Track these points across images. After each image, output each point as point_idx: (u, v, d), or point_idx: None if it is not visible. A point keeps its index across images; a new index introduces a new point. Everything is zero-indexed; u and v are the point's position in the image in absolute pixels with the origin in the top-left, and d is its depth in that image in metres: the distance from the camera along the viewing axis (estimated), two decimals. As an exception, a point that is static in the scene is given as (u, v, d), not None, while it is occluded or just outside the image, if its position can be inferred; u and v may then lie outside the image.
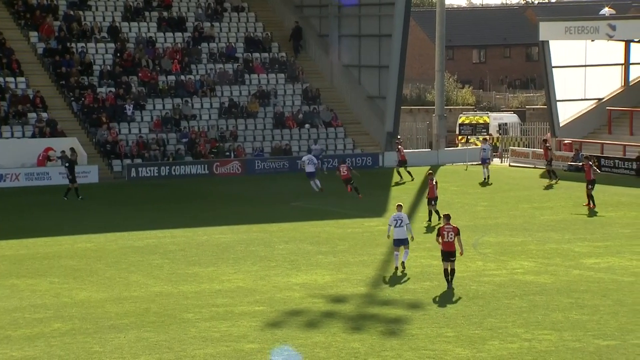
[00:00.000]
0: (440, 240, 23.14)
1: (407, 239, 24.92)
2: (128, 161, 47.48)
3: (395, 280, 24.24)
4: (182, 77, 52.77)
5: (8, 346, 18.26)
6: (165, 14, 55.59)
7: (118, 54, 52.36)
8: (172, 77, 52.63)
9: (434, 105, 58.00)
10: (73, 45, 51.72)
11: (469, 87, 78.05)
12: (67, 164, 39.52)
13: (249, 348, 18.38)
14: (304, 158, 41.54)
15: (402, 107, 56.17)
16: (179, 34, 55.03)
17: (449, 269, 23.12)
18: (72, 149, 41.77)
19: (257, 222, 33.03)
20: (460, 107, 69.83)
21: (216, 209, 37.33)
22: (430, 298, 22.32)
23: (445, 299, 22.24)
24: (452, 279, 23.13)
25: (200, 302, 21.83)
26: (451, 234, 22.97)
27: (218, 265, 26.04)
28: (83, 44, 52.12)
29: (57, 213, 36.15)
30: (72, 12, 53.28)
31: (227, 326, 19.83)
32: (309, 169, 40.65)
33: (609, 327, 19.56)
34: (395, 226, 24.82)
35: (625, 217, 34.00)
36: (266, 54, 56.03)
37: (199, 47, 54.79)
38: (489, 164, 45.39)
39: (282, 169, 49.68)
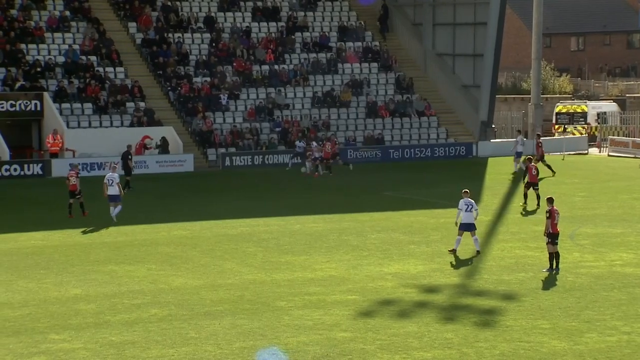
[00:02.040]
0: (550, 223, 23.17)
1: (474, 224, 25.21)
2: (222, 150, 48.04)
3: (489, 270, 23.96)
4: (276, 66, 53.07)
5: (107, 331, 18.67)
6: (259, 3, 55.98)
7: (213, 44, 52.97)
8: (266, 67, 52.98)
9: (529, 94, 57.08)
10: (170, 35, 52.51)
11: (566, 76, 76.57)
12: (129, 156, 38.60)
13: (342, 337, 18.40)
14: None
15: (497, 96, 55.47)
16: (273, 23, 55.35)
17: (555, 252, 23.13)
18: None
19: (349, 212, 33.03)
20: (557, 95, 68.59)
21: (309, 197, 37.47)
22: (524, 289, 21.99)
23: (541, 290, 21.89)
24: (558, 263, 23.02)
25: (293, 291, 21.94)
26: (558, 217, 23.17)
27: (311, 254, 26.14)
28: (180, 34, 52.86)
29: (153, 201, 36.81)
30: (169, 3, 54.09)
31: (320, 314, 19.89)
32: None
33: None
34: (465, 210, 25.19)
35: None
36: (359, 43, 55.94)
37: (293, 36, 55.02)
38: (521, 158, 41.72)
39: (374, 158, 49.61)
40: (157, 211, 33.98)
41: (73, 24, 51.36)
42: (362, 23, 56.85)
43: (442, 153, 50.05)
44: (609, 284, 22.32)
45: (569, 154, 51.16)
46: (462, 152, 51.04)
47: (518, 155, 43.45)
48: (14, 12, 50.60)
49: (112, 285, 22.52)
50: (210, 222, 31.25)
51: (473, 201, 25.56)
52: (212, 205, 35.31)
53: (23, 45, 49.03)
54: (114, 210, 31.16)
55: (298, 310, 20.23)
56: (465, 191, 25.96)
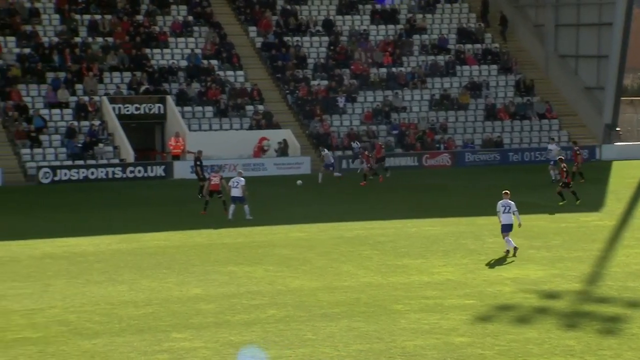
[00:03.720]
0: None
1: (513, 224, 25.53)
2: (339, 152, 48.20)
3: (613, 277, 23.30)
4: (394, 69, 52.97)
5: (227, 330, 18.92)
6: (378, 6, 55.96)
7: (332, 47, 53.23)
8: (383, 70, 52.94)
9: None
10: (289, 39, 53.02)
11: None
12: (198, 162, 38.40)
13: (459, 341, 18.18)
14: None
15: (622, 98, 54.01)
16: (392, 26, 55.27)
17: None
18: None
19: (467, 215, 32.66)
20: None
21: (424, 200, 37.22)
22: (651, 297, 21.30)
23: (668, 299, 21.16)
24: None
25: (410, 294, 21.80)
26: None
27: (427, 258, 25.94)
28: (299, 38, 53.33)
29: (270, 203, 37.19)
30: (289, 7, 54.65)
31: (437, 319, 19.70)
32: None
33: None
34: (503, 212, 25.50)
35: None
36: (479, 45, 55.33)
37: (411, 39, 54.81)
38: (555, 165, 39.50)
39: (492, 161, 48.97)
40: (274, 213, 34.32)
41: (195, 28, 52.42)
42: (482, 25, 56.19)
43: (580, 154, 49.03)
44: None
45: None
46: (585, 155, 49.85)
47: (551, 162, 41.09)
48: (139, 17, 51.98)
49: (231, 285, 22.83)
50: (326, 225, 31.37)
51: (512, 202, 25.76)
52: (328, 207, 35.43)
53: (148, 50, 50.30)
54: (232, 209, 31.78)
55: (415, 314, 20.09)
56: (505, 192, 26.19)
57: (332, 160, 43.31)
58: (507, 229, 25.70)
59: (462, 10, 57.18)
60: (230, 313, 20.23)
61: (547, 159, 41.91)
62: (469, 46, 55.11)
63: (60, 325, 19.21)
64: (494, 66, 54.54)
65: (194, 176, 41.80)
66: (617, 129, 52.79)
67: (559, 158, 37.24)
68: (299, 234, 29.81)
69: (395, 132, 50.13)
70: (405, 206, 35.55)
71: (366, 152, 43.07)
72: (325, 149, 45.07)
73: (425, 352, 17.45)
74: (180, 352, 17.50)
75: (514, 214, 25.64)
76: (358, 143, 47.13)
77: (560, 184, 34.86)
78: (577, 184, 37.80)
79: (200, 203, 34.16)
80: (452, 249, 27.08)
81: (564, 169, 34.65)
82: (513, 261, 25.33)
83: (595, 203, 35.40)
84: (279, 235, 29.78)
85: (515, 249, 25.74)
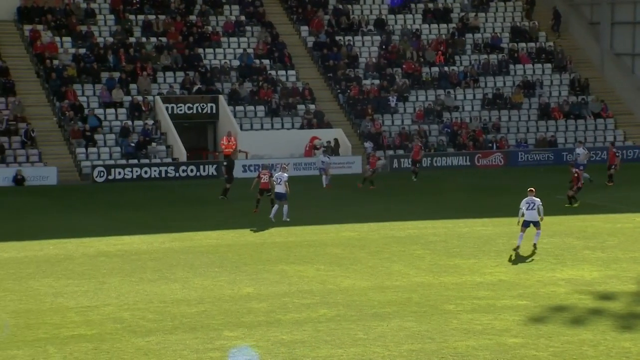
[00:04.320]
0: None
1: (537, 220, 25.79)
2: (391, 152, 48.06)
3: (669, 279, 22.92)
4: (446, 68, 52.69)
5: (278, 329, 18.96)
6: (430, 5, 55.72)
7: (383, 47, 53.11)
8: (435, 69, 52.69)
9: None
10: (341, 38, 53.01)
11: None
12: (225, 163, 38.16)
13: (512, 342, 18.01)
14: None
15: (677, 97, 53.21)
16: (444, 25, 54.99)
17: None
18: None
19: (503, 215, 32.34)
20: None
21: (477, 200, 36.96)
22: None
23: None
24: None
25: (462, 294, 21.65)
26: None
27: (479, 258, 25.74)
28: (350, 37, 53.29)
29: (321, 202, 37.21)
30: (341, 6, 54.64)
31: (489, 319, 19.54)
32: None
33: None
34: (527, 209, 25.76)
35: None
36: (532, 44, 54.83)
37: (464, 37, 54.47)
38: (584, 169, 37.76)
39: (546, 161, 48.49)
40: (325, 212, 34.32)
41: (248, 28, 52.63)
42: (536, 23, 55.66)
43: (619, 156, 48.34)
44: None
45: None
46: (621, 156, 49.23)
47: (577, 166, 37.91)
48: (192, 17, 52.35)
49: (282, 284, 22.88)
50: (377, 224, 31.29)
51: (538, 199, 25.83)
52: (379, 207, 35.35)
53: (200, 50, 50.63)
54: (274, 209, 31.69)
55: (467, 314, 19.94)
56: (530, 190, 26.27)
57: (324, 165, 41.47)
58: (527, 224, 25.99)
59: (516, 9, 56.69)
60: (281, 312, 20.26)
61: (576, 162, 39.85)
62: (522, 45, 54.62)
63: (115, 323, 19.40)
64: (548, 65, 54.00)
65: (246, 175, 42.00)
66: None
67: (574, 162, 36.84)
68: (350, 234, 29.78)
69: (447, 130, 49.86)
70: (457, 206, 35.33)
71: (375, 155, 42.07)
72: (322, 153, 44.04)
73: (477, 353, 17.32)
74: (232, 350, 17.57)
75: (538, 209, 25.88)
76: (371, 143, 46.63)
77: (574, 188, 34.06)
78: (605, 186, 37.28)
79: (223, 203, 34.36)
80: (505, 249, 26.84)
81: (576, 174, 33.91)
82: (567, 262, 25.03)
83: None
84: (330, 234, 29.78)
85: (534, 245, 26.13)
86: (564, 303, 20.78)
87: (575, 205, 33.94)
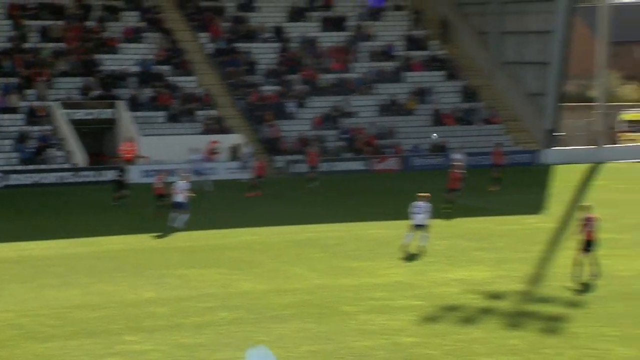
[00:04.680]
0: (584, 230, 23.06)
1: (425, 224, 26.58)
2: (290, 157, 48.26)
3: (555, 277, 23.67)
4: (343, 75, 53.19)
5: (179, 333, 18.88)
6: (327, 14, 56.16)
7: (282, 54, 53.29)
8: (333, 76, 53.13)
9: (595, 102, 56.28)
10: (240, 45, 52.98)
11: (633, 84, 75.31)
12: (120, 169, 37.45)
13: (407, 341, 18.35)
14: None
15: (563, 104, 54.82)
16: (340, 33, 55.50)
17: (587, 259, 23.05)
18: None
19: (399, 218, 32.86)
20: (625, 103, 67.49)
21: (374, 204, 37.43)
22: (591, 296, 21.68)
23: (609, 298, 21.54)
24: (593, 270, 22.85)
25: (359, 296, 21.93)
26: (591, 224, 22.98)
27: (376, 260, 26.10)
28: (249, 44, 53.30)
29: (222, 207, 37.11)
30: (239, 14, 54.60)
31: (385, 319, 19.85)
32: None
33: None
34: (416, 213, 26.65)
35: None
36: (425, 52, 55.79)
37: (360, 45, 55.09)
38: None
39: (440, 165, 49.38)
40: (226, 216, 34.27)
41: (147, 34, 52.11)
42: (428, 32, 56.67)
43: (507, 160, 49.61)
44: (677, 293, 21.87)
45: (635, 162, 50.30)
46: (528, 159, 50.53)
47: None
48: (90, 23, 51.55)
49: (183, 288, 22.78)
50: (277, 228, 31.41)
51: (427, 204, 26.71)
52: (278, 211, 35.47)
53: (99, 56, 49.89)
54: (173, 217, 31.37)
55: (364, 315, 20.22)
56: (421, 194, 27.14)
57: (200, 168, 40.78)
58: (417, 228, 26.73)
59: (408, 18, 57.58)
60: (182, 316, 20.18)
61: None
62: (415, 53, 55.53)
63: (13, 329, 19.02)
64: (440, 72, 55.02)
65: (146, 180, 41.55)
66: (559, 133, 53.57)
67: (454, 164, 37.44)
68: (250, 237, 29.82)
69: (344, 136, 50.32)
70: (354, 210, 35.71)
71: (258, 161, 41.92)
72: (197, 154, 42.87)
73: (373, 353, 17.59)
74: (132, 354, 17.43)
75: (426, 214, 26.67)
76: (252, 149, 46.45)
77: (451, 190, 34.63)
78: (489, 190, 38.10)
79: (118, 209, 34.05)
80: (401, 251, 27.26)
81: (456, 177, 34.64)
82: (459, 263, 25.59)
83: (536, 205, 35.91)
84: (231, 238, 29.75)
85: (423, 247, 26.70)
86: (457, 303, 21.25)
87: (449, 209, 34.18)
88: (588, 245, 23.04)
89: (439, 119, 52.56)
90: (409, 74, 54.53)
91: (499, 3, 55.39)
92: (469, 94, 54.17)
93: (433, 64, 55.35)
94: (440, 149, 50.73)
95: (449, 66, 55.26)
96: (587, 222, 23.12)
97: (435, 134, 39.44)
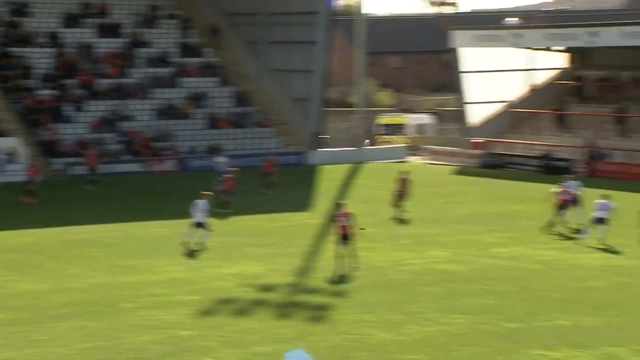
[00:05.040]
0: (337, 225, 23.91)
1: (205, 223, 26.77)
2: (68, 160, 46.71)
3: (322, 269, 24.30)
4: (120, 80, 52.13)
5: (-48, 336, 17.83)
6: (102, 20, 54.83)
7: (57, 59, 51.51)
8: (110, 81, 51.95)
9: (355, 107, 58.26)
10: (14, 49, 50.70)
11: (388, 91, 78.66)
12: None
13: (184, 335, 18.27)
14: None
15: (327, 109, 56.36)
16: (116, 39, 54.35)
17: (345, 251, 23.77)
18: None
19: (190, 217, 32.71)
20: (381, 109, 70.30)
21: (152, 204, 36.94)
22: (353, 286, 22.45)
23: (368, 286, 22.38)
24: (349, 261, 23.61)
25: (138, 292, 21.59)
26: (344, 219, 23.72)
27: (154, 258, 25.79)
28: (24, 49, 51.12)
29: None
30: (13, 19, 52.22)
31: (164, 314, 19.66)
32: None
33: (515, 311, 19.89)
34: (197, 211, 26.80)
35: (530, 210, 34.64)
36: (199, 59, 55.71)
37: (136, 52, 54.19)
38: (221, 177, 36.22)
39: (215, 167, 49.37)
40: (2, 219, 32.67)
41: None
42: (201, 40, 56.60)
43: (278, 166, 50.42)
44: (428, 280, 23.05)
45: (391, 162, 52.54)
46: (296, 160, 51.57)
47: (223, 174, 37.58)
48: None
49: (-42, 292, 21.52)
50: (55, 229, 30.33)
51: (207, 203, 26.98)
52: (58, 213, 34.25)
53: None
54: None
55: (143, 311, 19.93)
56: (203, 193, 27.40)
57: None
58: (198, 225, 26.74)
59: (183, 26, 57.22)
60: (-43, 320, 19.07)
61: (217, 170, 40.18)
62: (190, 60, 55.31)
63: None
64: (214, 78, 55.10)
65: None
66: (324, 136, 55.04)
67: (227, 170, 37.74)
68: (27, 239, 28.60)
69: (122, 139, 49.31)
70: (134, 210, 35.07)
71: (32, 164, 40.32)
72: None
73: (152, 347, 17.38)
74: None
75: (204, 212, 26.81)
76: (29, 152, 44.22)
77: (225, 193, 34.76)
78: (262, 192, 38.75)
79: None
80: (179, 249, 27.08)
81: (226, 180, 35.14)
82: (234, 259, 25.74)
83: (304, 203, 36.73)
84: (7, 240, 28.41)
85: (202, 244, 26.71)
86: (231, 296, 21.38)
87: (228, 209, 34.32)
88: (344, 239, 23.84)
89: (214, 123, 52.62)
90: (184, 79, 54.23)
91: (266, 15, 56.16)
92: (242, 99, 54.58)
93: (207, 70, 55.34)
94: (215, 151, 50.76)
95: (222, 72, 55.44)
96: (342, 217, 23.96)
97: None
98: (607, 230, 27.30)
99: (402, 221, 31.88)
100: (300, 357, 14.11)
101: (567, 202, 29.82)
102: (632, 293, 21.30)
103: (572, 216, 30.04)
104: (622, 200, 31.47)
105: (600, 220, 27.32)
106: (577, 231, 29.04)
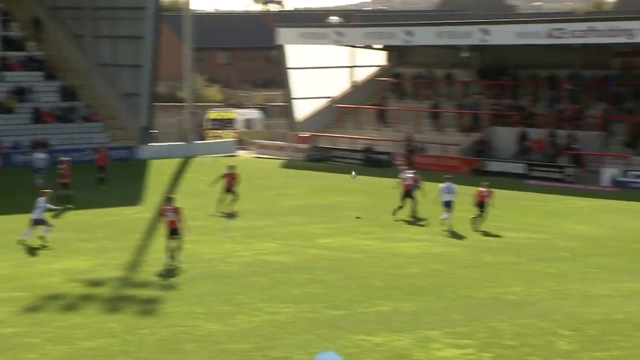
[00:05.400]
0: (165, 219, 23.80)
1: (43, 219, 26.12)
2: None
3: (151, 263, 23.96)
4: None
5: None
6: None
7: None
8: None
9: (184, 103, 57.73)
10: None
11: (217, 86, 78.30)
12: None
13: (8, 332, 17.55)
14: None
15: (156, 104, 55.53)
16: None
17: (173, 245, 23.64)
18: None
19: (18, 212, 31.46)
20: (210, 104, 69.98)
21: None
22: (183, 278, 22.27)
23: (197, 279, 22.25)
24: (176, 255, 23.54)
25: (-40, 292, 20.56)
26: (172, 214, 23.62)
27: (-22, 255, 24.62)
28: None
29: None
30: None
31: (-13, 313, 18.82)
32: None
33: (340, 299, 20.32)
34: (37, 207, 26.15)
35: (353, 201, 35.46)
36: (22, 53, 53.57)
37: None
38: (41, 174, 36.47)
39: (41, 160, 47.61)
40: None
41: None
42: (23, 34, 54.41)
43: (110, 160, 49.21)
44: (256, 271, 23.17)
45: (221, 156, 52.42)
46: (125, 155, 50.55)
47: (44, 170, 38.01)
48: None
49: None
50: None
51: (46, 200, 26.31)
52: None
53: None
54: None
55: (-37, 311, 18.99)
56: (43, 191, 26.89)
57: None
58: (37, 222, 25.99)
59: (5, 20, 54.79)
60: None
61: (37, 166, 38.92)
62: (12, 53, 53.05)
63: None
64: (38, 72, 53.09)
65: None
66: (153, 130, 54.21)
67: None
68: None
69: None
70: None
71: None
72: None
73: (-25, 347, 16.59)
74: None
75: (44, 208, 26.16)
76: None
77: (62, 187, 34.16)
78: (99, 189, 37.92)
79: None
80: (4, 244, 25.98)
81: (61, 172, 34.43)
82: (62, 254, 24.96)
83: (135, 197, 36.06)
84: None
85: (43, 237, 25.92)
86: (59, 292, 20.72)
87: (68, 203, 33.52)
88: (172, 233, 23.66)
89: (39, 117, 50.72)
90: (7, 73, 51.94)
91: (92, 9, 54.65)
92: (68, 94, 52.88)
93: (31, 64, 53.25)
94: (39, 146, 48.93)
95: (47, 67, 53.51)
96: (170, 212, 23.78)
97: (354, 172, 38.62)
98: (452, 214, 28.48)
99: (230, 215, 31.88)
100: (331, 359, 13.73)
101: (411, 188, 30.89)
102: (445, 279, 22.22)
103: (412, 204, 31.09)
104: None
105: (447, 204, 28.53)
106: (415, 218, 30.10)
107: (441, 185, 29.30)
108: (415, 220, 30.60)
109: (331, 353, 14.45)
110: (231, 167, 33.93)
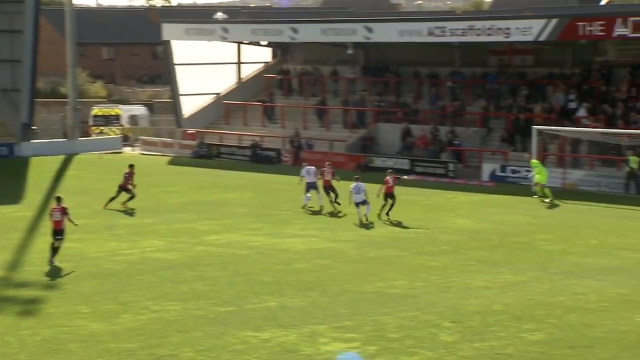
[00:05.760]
0: (51, 219, 23.37)
1: None
2: None
3: (33, 263, 23.29)
4: None
5: None
6: None
7: None
8: None
9: (67, 99, 56.34)
10: None
11: (100, 82, 76.69)
12: None
13: None
14: None
15: (37, 100, 54.00)
16: None
17: (56, 246, 23.22)
18: None
19: None
20: (93, 100, 68.47)
21: None
22: (67, 278, 21.75)
23: (81, 278, 21.77)
24: (55, 255, 23.14)
25: None
26: (59, 214, 23.17)
27: None
28: None
29: None
30: None
31: None
32: None
33: (227, 295, 20.25)
34: None
35: (241, 197, 35.39)
36: None
37: None
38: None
39: None
40: None
41: None
42: None
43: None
44: (142, 269, 22.84)
45: (106, 153, 51.41)
46: (5, 152, 48.99)
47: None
48: None
49: None
50: None
51: None
52: None
53: None
54: None
55: None
56: None
57: None
58: None
59: None
60: None
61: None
62: None
63: None
64: None
65: None
66: (34, 127, 52.70)
67: None
68: None
69: None
70: None
71: None
72: None
73: None
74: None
75: None
76: None
77: None
78: None
79: None
80: None
81: None
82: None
83: (15, 196, 34.97)
84: None
85: None
86: None
87: None
88: (56, 234, 23.15)
89: None
90: None
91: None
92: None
93: None
94: None
95: None
96: (56, 212, 23.26)
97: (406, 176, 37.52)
98: (370, 208, 29.28)
99: (127, 212, 31.31)
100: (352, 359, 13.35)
101: (328, 183, 31.94)
102: (331, 274, 22.45)
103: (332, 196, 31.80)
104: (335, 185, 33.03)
105: (362, 203, 29.23)
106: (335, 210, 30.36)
107: (351, 186, 29.83)
108: (336, 212, 31.02)
109: (353, 354, 14.30)
110: (131, 166, 33.29)
